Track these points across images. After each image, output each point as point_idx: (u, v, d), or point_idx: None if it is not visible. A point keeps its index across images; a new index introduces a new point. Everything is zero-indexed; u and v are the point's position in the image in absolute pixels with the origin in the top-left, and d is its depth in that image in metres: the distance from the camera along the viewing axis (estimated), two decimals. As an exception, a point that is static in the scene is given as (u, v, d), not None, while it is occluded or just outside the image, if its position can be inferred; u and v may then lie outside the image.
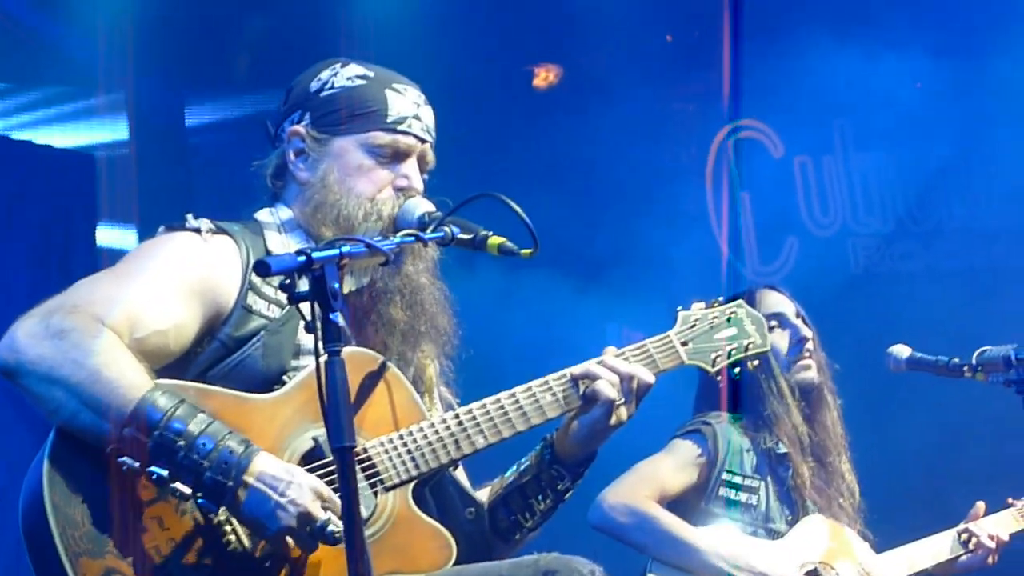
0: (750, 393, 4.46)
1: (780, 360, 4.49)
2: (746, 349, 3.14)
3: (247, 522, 2.59)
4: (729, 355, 3.12)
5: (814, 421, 4.51)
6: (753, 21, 7.32)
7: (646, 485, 4.30)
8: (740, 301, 3.20)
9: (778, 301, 4.59)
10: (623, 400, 2.89)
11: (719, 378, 3.16)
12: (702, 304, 3.15)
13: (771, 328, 4.40)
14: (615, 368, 2.91)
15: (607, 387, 2.88)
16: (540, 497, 2.97)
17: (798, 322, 4.56)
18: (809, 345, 4.54)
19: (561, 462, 2.96)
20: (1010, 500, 4.56)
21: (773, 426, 4.44)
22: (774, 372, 4.45)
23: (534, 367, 2.99)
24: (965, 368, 4.24)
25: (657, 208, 7.00)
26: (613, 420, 2.89)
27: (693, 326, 3.09)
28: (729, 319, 3.14)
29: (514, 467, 3.03)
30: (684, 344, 3.06)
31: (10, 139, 6.23)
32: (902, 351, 4.44)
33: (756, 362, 3.18)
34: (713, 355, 3.10)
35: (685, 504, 4.37)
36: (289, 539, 2.58)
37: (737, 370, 3.15)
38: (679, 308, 3.12)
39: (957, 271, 6.85)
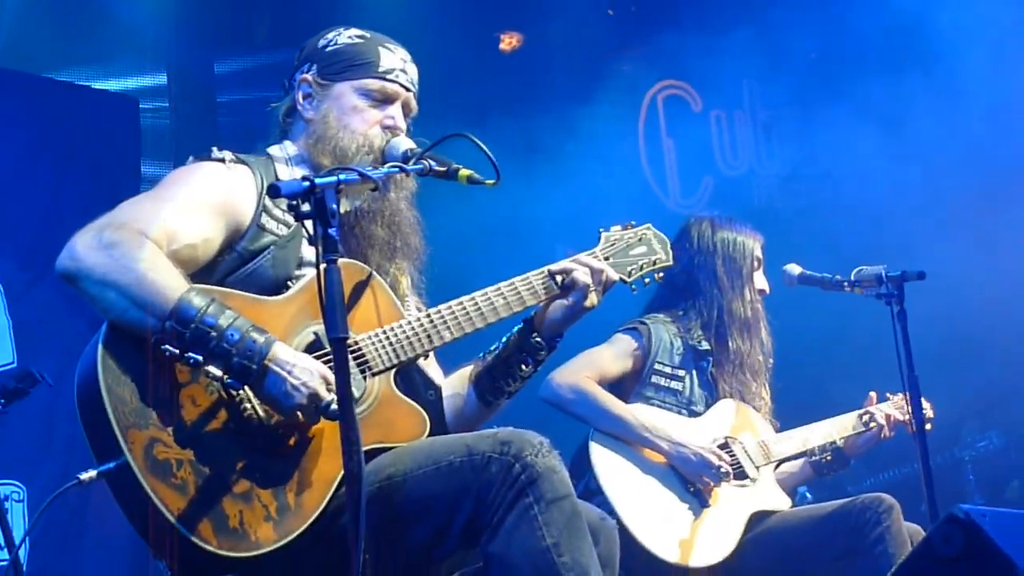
0: (684, 299, 4.46)
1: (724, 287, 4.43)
2: (653, 264, 3.17)
3: (265, 399, 2.57)
4: (640, 268, 3.15)
5: (736, 332, 4.42)
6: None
7: (588, 368, 4.28)
8: (648, 224, 3.21)
9: (756, 247, 4.52)
10: (595, 287, 2.94)
11: (633, 287, 3.15)
12: (619, 227, 3.17)
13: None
14: (588, 263, 2.97)
15: (584, 275, 2.94)
16: (523, 365, 2.99)
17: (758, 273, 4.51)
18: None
19: (541, 335, 2.98)
20: (888, 395, 4.54)
21: (698, 327, 4.41)
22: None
23: (491, 280, 2.96)
24: (845, 284, 4.26)
25: (598, 153, 6.98)
26: (587, 303, 2.94)
27: (613, 244, 3.12)
28: (640, 239, 3.17)
29: (495, 345, 3.04)
30: (606, 259, 3.08)
31: (74, 84, 6.16)
32: (794, 269, 4.44)
33: (661, 274, 3.19)
34: (628, 268, 3.12)
35: (623, 387, 4.37)
36: (299, 413, 2.57)
37: (647, 280, 3.17)
38: (601, 229, 3.14)
39: (839, 206, 6.89)
